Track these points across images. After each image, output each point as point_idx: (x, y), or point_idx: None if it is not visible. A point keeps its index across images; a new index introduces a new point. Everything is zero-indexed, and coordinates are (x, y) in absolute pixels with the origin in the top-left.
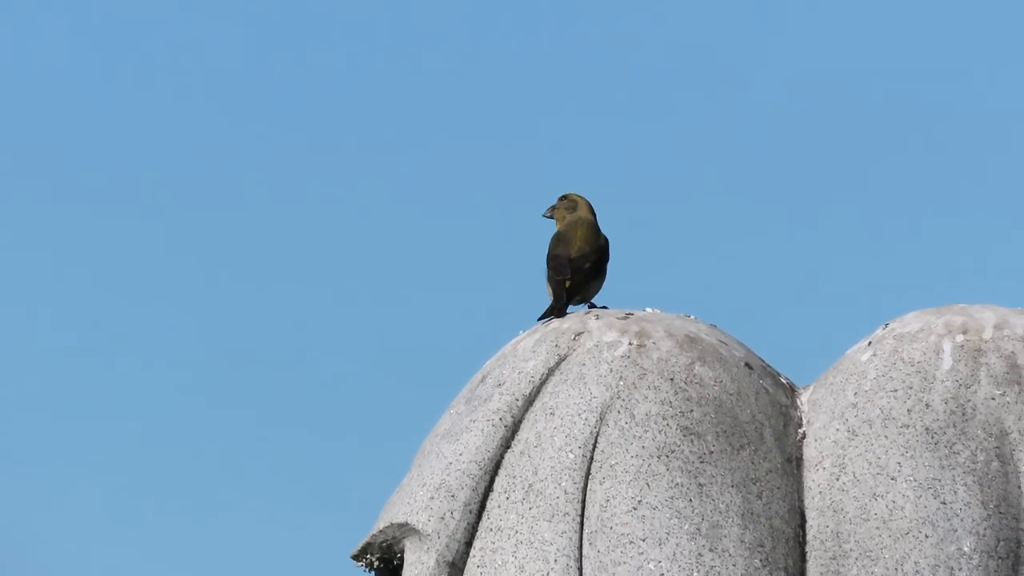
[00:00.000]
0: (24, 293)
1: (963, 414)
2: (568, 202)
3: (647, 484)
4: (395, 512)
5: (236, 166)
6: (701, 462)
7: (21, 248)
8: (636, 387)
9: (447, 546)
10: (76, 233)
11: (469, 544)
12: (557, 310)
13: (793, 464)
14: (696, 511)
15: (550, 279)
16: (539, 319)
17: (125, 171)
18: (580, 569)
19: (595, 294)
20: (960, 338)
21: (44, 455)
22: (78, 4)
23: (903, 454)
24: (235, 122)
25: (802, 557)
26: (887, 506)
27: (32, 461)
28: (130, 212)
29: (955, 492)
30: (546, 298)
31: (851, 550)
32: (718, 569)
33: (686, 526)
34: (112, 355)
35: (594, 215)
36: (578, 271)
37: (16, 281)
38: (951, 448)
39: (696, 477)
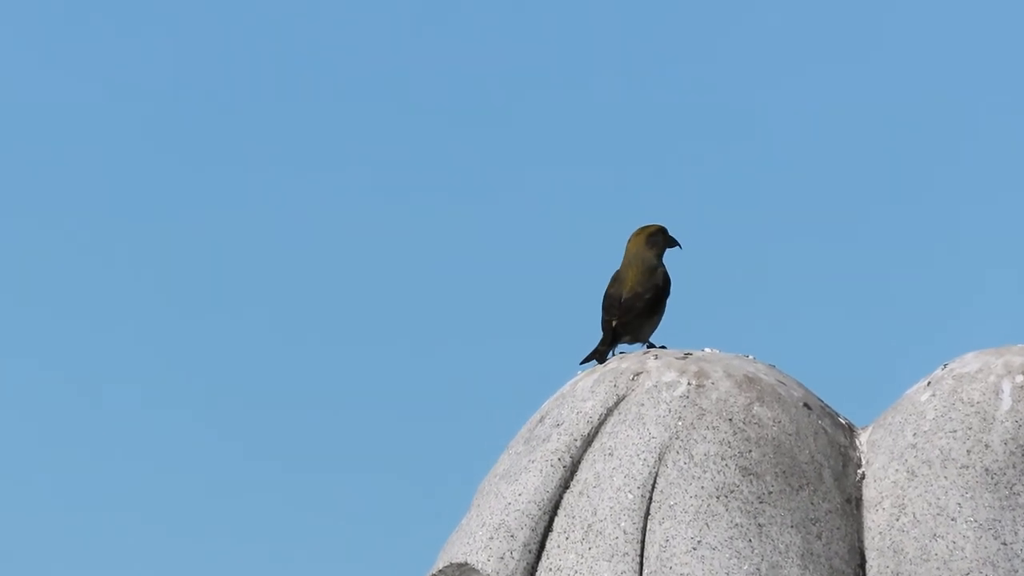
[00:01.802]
0: (29, 331)
1: (1023, 454)
2: (632, 235)
3: (706, 524)
4: (454, 552)
5: (296, 209)
6: (760, 502)
7: (24, 286)
8: (695, 427)
9: None
10: (101, 268)
11: None
12: (599, 354)
13: (853, 504)
14: (755, 551)
15: (602, 319)
16: (580, 363)
17: (154, 194)
18: None
19: (650, 334)
20: (1020, 378)
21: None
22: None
23: (963, 495)
24: (278, 153)
25: None
26: (947, 547)
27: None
28: (166, 245)
29: (1015, 533)
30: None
31: None
32: None
33: (745, 566)
34: (155, 400)
35: (657, 247)
36: (629, 310)
37: (20, 321)
38: (1011, 489)
39: (755, 517)
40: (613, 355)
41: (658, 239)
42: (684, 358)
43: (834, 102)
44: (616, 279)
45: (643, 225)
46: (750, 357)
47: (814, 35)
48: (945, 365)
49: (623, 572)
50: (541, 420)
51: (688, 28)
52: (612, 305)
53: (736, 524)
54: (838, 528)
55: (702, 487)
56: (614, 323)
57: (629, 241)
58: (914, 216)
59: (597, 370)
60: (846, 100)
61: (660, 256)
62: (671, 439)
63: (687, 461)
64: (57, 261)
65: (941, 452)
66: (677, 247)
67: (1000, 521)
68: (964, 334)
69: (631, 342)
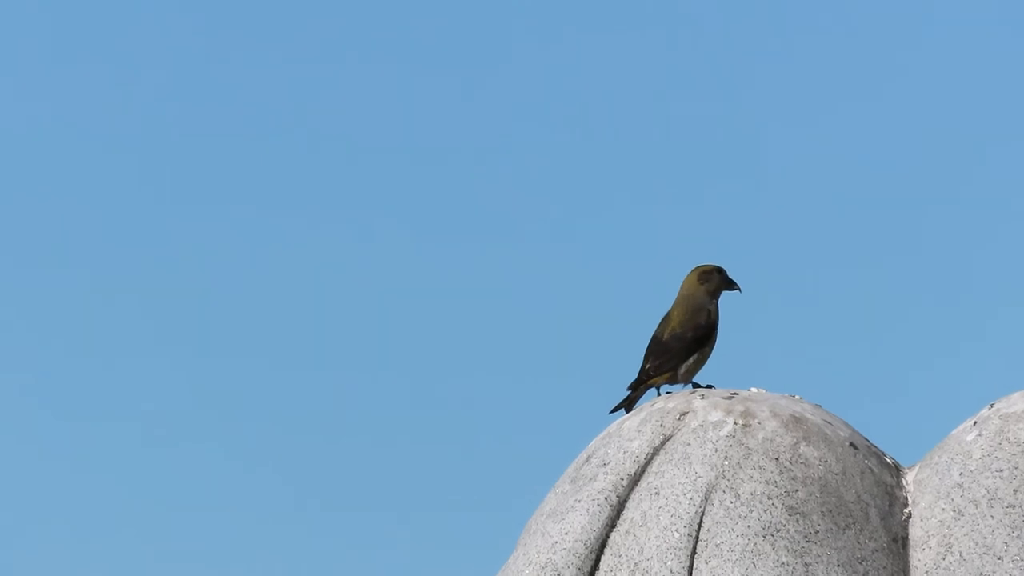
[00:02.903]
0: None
1: None
2: (689, 274)
3: (753, 564)
4: None
5: (315, 249)
6: (807, 541)
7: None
8: (741, 467)
9: None
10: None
11: None
12: (630, 401)
13: (899, 544)
14: None
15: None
16: (610, 412)
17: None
18: None
19: (694, 374)
20: None
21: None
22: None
23: (1009, 534)
24: (303, 189)
25: None
26: None
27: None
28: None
29: None
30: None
31: None
32: None
33: None
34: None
35: (710, 285)
36: (665, 352)
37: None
38: None
39: (802, 556)
40: (659, 394)
41: (712, 278)
42: (730, 398)
43: (872, 131)
44: (663, 319)
45: (701, 264)
46: (796, 397)
47: (844, 66)
48: (991, 405)
49: None
50: (588, 459)
51: (719, 63)
52: (653, 345)
53: (783, 563)
54: (884, 567)
55: (748, 526)
56: (646, 366)
57: (684, 279)
58: (961, 252)
59: (643, 409)
60: (883, 128)
61: (713, 295)
62: (717, 478)
63: (733, 500)
64: (55, 270)
65: (987, 491)
66: (736, 290)
67: None
68: (1011, 374)
69: (671, 383)
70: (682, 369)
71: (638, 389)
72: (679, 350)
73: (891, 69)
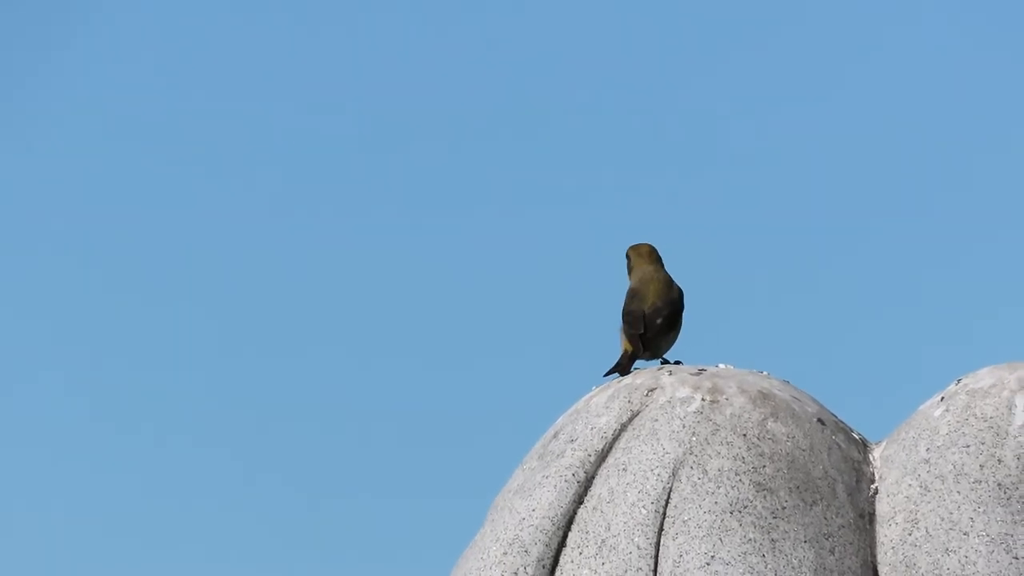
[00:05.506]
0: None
1: None
2: (635, 254)
3: (720, 540)
4: (468, 567)
5: (294, 230)
6: (774, 517)
7: (43, 309)
8: (709, 443)
9: None
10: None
11: None
12: (623, 366)
13: (866, 519)
14: (769, 566)
15: (626, 333)
16: (604, 375)
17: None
18: None
19: (668, 349)
20: None
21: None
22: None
23: (975, 509)
24: (304, 183)
25: None
26: (959, 561)
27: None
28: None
29: None
30: (618, 355)
31: None
32: None
33: None
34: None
35: (662, 264)
36: (650, 326)
37: (40, 345)
38: (1023, 503)
39: (769, 532)
40: (632, 369)
41: (656, 256)
42: (698, 374)
43: (845, 114)
44: (635, 296)
45: (637, 243)
46: (764, 373)
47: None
48: (959, 380)
49: None
50: (555, 435)
51: (694, 45)
52: (637, 319)
53: (750, 539)
54: (851, 543)
55: (716, 502)
56: (642, 334)
57: (637, 257)
58: (928, 231)
59: (611, 386)
60: (857, 113)
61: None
62: (685, 454)
63: (701, 476)
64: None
65: (954, 467)
66: None
67: (1012, 536)
68: (978, 349)
69: (649, 358)
70: (662, 345)
71: (635, 357)
72: (661, 325)
73: (859, 57)
